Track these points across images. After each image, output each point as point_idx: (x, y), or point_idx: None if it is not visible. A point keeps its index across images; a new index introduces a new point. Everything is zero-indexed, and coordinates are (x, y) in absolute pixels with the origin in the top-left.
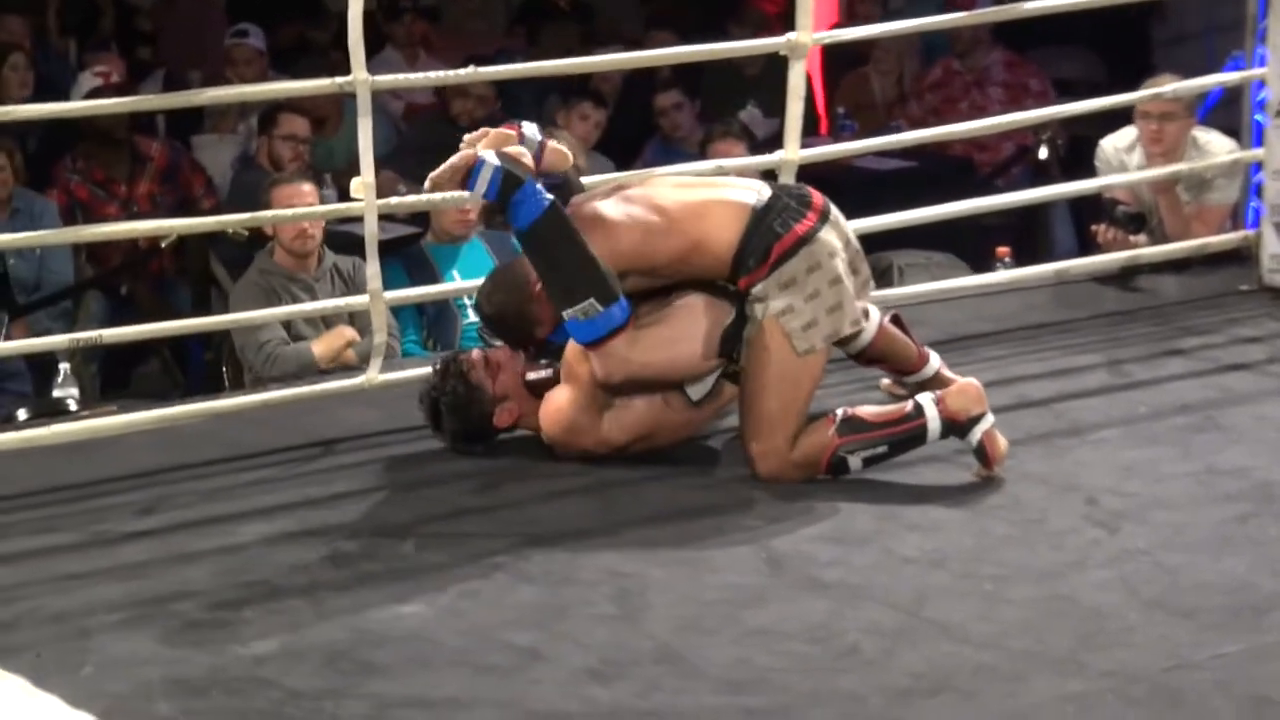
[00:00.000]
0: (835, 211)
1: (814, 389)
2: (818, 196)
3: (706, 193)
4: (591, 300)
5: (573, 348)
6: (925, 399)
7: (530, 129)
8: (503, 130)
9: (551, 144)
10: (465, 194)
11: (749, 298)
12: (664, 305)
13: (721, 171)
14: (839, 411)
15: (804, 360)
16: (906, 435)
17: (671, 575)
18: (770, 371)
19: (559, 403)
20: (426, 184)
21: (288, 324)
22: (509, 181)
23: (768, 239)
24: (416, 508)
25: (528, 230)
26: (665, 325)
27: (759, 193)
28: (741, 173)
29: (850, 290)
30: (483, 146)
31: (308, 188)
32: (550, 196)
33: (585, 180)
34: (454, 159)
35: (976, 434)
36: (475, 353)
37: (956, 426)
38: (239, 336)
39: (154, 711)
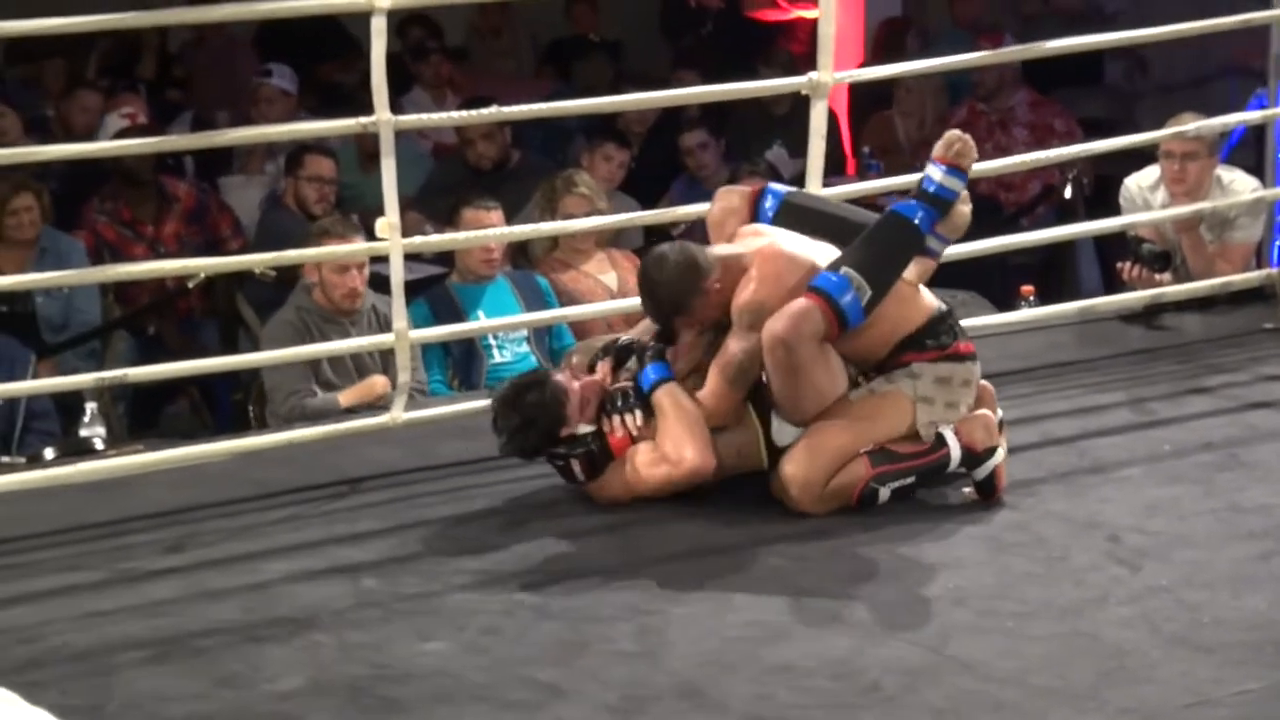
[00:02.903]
0: None
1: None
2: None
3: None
4: (869, 291)
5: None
6: (945, 430)
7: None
8: None
9: None
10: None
11: (898, 370)
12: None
13: None
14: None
15: (897, 432)
16: (933, 465)
17: (693, 612)
18: (870, 422)
19: (644, 471)
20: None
21: (318, 368)
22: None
23: (952, 335)
24: (440, 545)
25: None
26: (829, 363)
27: (941, 306)
28: None
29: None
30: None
31: (358, 239)
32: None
33: (613, 219)
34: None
35: (989, 465)
36: (567, 382)
37: (974, 456)
38: (269, 379)
39: None
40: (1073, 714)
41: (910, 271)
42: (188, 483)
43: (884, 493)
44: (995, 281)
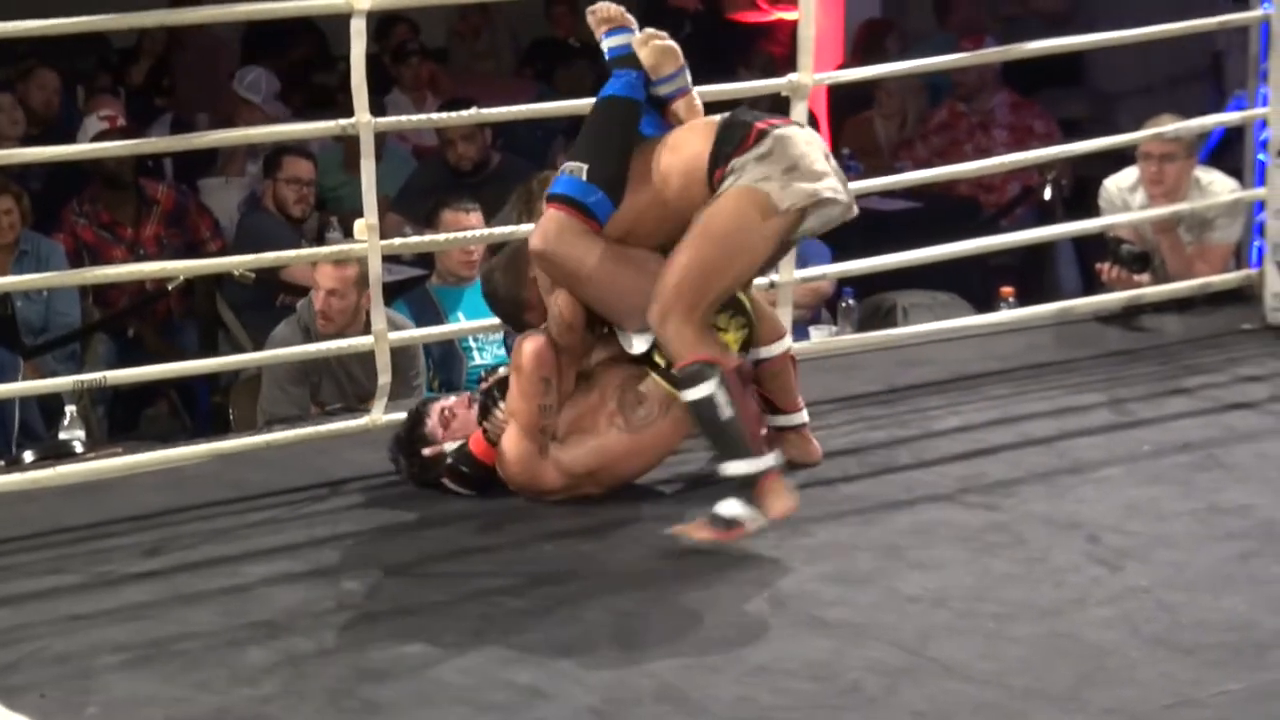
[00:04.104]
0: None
1: (743, 273)
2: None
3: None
4: (585, 165)
5: (512, 390)
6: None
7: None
8: None
9: None
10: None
11: (721, 182)
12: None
13: None
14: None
15: (762, 229)
16: (732, 439)
17: (674, 614)
18: (713, 229)
19: (505, 442)
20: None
21: (315, 393)
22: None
23: (741, 130)
24: (420, 547)
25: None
26: (627, 256)
27: (723, 115)
28: None
29: (835, 167)
30: None
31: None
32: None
33: None
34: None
35: (723, 510)
36: (434, 404)
37: (748, 499)
38: (267, 405)
39: None
40: (1054, 715)
41: (681, 108)
42: (167, 485)
43: (717, 397)
44: (975, 282)
